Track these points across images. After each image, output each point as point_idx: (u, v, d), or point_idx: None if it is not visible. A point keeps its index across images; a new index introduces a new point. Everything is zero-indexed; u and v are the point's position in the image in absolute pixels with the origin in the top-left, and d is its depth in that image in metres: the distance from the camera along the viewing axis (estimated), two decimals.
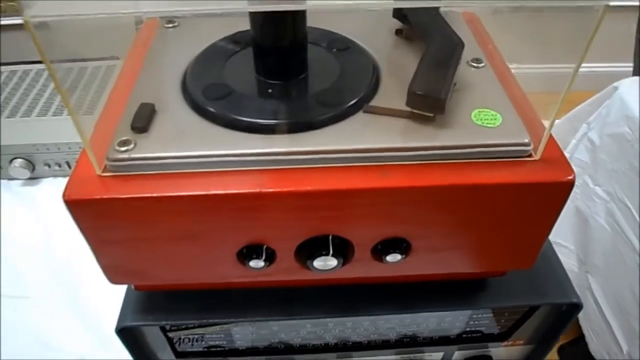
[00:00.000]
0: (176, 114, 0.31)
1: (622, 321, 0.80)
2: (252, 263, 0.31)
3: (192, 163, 0.29)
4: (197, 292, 0.38)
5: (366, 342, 0.42)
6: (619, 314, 0.81)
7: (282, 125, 0.30)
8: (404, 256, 0.31)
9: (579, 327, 0.91)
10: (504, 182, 0.28)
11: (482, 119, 0.30)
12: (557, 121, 0.89)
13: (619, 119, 0.78)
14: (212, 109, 0.31)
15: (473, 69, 0.34)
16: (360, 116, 0.30)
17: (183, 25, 0.39)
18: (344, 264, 0.32)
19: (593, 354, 0.87)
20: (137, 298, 0.38)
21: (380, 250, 0.31)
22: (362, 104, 0.31)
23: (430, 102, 0.29)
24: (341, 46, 0.36)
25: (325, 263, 0.31)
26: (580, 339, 0.93)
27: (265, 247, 0.31)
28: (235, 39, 0.36)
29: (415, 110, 0.30)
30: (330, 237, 0.30)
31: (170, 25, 0.39)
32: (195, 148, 0.29)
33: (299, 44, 0.33)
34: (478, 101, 0.31)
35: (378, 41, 0.37)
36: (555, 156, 0.29)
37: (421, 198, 0.29)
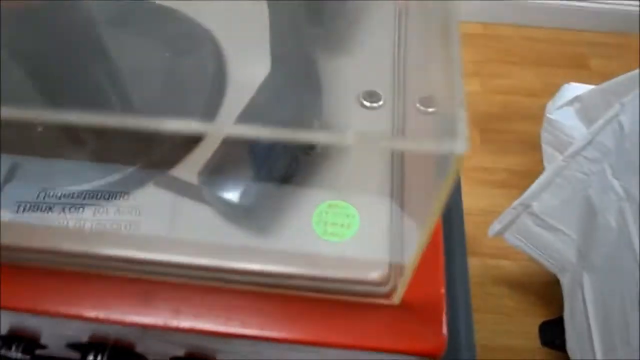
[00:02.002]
0: None
1: (604, 331, 0.72)
2: None
3: None
4: None
5: None
6: (603, 322, 0.72)
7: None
8: None
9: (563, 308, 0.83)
10: (332, 342, 0.18)
11: (327, 225, 0.19)
12: (587, 89, 0.72)
13: None
14: None
15: (364, 109, 0.23)
16: (146, 192, 0.20)
17: None
18: None
19: (568, 351, 0.80)
20: None
21: None
22: (163, 168, 0.21)
23: (231, 208, 0.18)
24: (181, 46, 0.24)
25: None
26: (562, 320, 0.85)
27: None
28: None
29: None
30: None
31: None
32: None
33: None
34: (340, 179, 0.20)
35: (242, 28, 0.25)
36: (425, 302, 0.19)
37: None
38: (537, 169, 0.85)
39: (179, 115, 0.22)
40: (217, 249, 0.19)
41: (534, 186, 0.78)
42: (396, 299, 0.19)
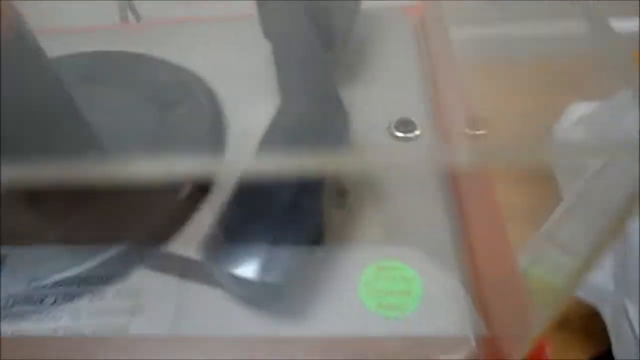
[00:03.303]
0: None
1: None
2: None
3: None
4: None
5: None
6: None
7: None
8: None
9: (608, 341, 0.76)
10: None
11: (380, 295, 0.14)
12: (592, 107, 0.68)
13: None
14: None
15: (398, 141, 0.18)
16: (138, 277, 0.15)
17: None
18: None
19: None
20: None
21: None
22: (144, 249, 0.16)
23: (248, 288, 0.13)
24: (171, 95, 0.20)
25: None
26: (610, 353, 0.78)
27: None
28: None
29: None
30: None
31: None
32: None
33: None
34: (384, 232, 0.16)
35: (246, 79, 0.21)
36: None
37: None
38: (545, 200, 0.81)
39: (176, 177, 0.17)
40: (234, 345, 0.14)
41: (556, 215, 0.73)
42: None
